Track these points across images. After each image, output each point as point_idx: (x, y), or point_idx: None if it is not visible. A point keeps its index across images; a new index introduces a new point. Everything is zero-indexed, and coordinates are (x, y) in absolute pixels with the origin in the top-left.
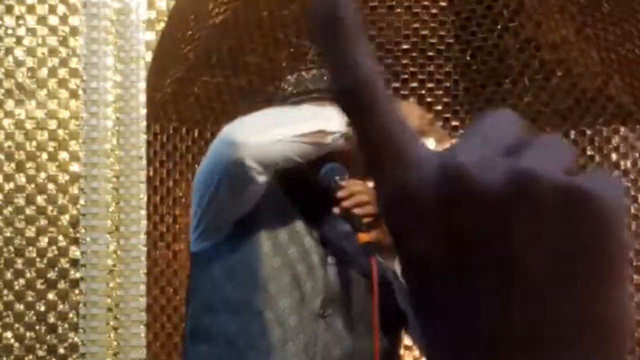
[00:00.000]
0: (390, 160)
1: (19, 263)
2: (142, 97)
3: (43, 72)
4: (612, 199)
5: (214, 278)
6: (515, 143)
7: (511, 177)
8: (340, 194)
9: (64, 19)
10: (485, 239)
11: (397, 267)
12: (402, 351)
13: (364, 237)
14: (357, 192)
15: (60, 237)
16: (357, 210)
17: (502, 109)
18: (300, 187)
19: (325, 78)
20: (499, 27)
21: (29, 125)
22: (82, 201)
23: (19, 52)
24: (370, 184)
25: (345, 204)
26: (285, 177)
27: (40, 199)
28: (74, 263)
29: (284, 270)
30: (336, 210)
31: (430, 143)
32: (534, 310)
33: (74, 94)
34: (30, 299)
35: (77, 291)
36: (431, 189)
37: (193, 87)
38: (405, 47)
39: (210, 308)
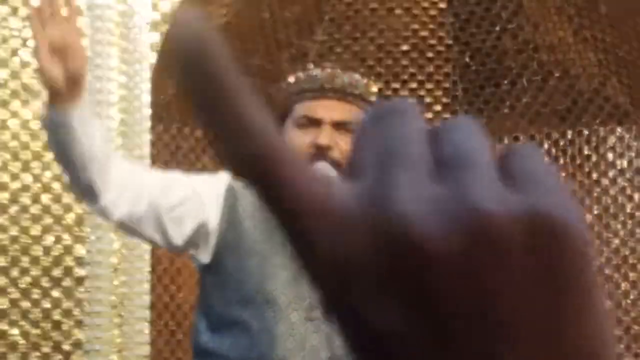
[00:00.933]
0: (313, 226)
1: (25, 261)
2: (146, 98)
3: None
4: (574, 216)
5: (209, 296)
6: (432, 153)
7: (463, 223)
8: None
9: None
10: (455, 302)
11: None
12: None
13: None
14: None
15: (66, 236)
16: None
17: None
18: None
19: (318, 77)
20: (497, 28)
21: (34, 125)
22: None
23: (24, 53)
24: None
25: None
26: None
27: (45, 198)
28: (79, 261)
29: (268, 281)
30: None
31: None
32: None
33: None
34: (35, 296)
35: (81, 289)
36: (369, 255)
37: None
38: (404, 48)
39: (210, 326)
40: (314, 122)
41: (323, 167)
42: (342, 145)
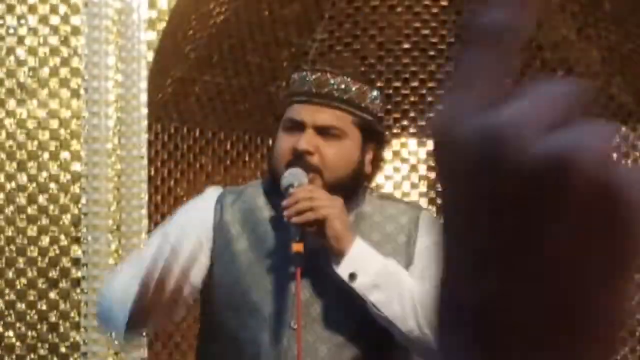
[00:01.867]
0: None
1: (21, 262)
2: (144, 97)
3: (44, 72)
4: None
5: (204, 306)
6: (561, 116)
7: (551, 156)
8: (284, 202)
9: (65, 19)
10: (511, 206)
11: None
12: None
13: (295, 246)
14: (300, 200)
15: (62, 237)
16: (293, 219)
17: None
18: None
19: (307, 81)
20: None
21: (30, 124)
22: (83, 200)
23: (20, 52)
24: (321, 192)
25: (285, 212)
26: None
27: (41, 198)
28: (76, 262)
29: (252, 290)
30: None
31: None
32: (537, 288)
33: (75, 94)
34: (31, 298)
35: (78, 290)
36: (471, 147)
37: (194, 87)
38: (406, 46)
39: (207, 336)
40: (298, 127)
41: (290, 174)
42: (325, 150)
